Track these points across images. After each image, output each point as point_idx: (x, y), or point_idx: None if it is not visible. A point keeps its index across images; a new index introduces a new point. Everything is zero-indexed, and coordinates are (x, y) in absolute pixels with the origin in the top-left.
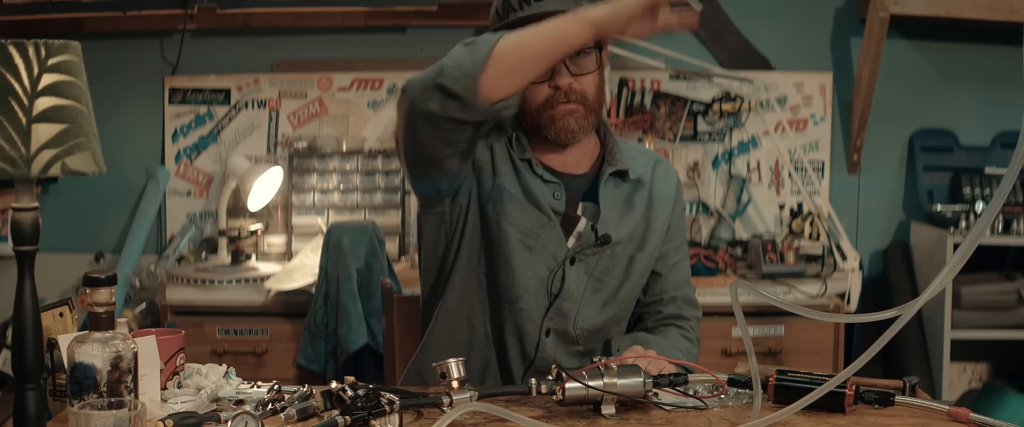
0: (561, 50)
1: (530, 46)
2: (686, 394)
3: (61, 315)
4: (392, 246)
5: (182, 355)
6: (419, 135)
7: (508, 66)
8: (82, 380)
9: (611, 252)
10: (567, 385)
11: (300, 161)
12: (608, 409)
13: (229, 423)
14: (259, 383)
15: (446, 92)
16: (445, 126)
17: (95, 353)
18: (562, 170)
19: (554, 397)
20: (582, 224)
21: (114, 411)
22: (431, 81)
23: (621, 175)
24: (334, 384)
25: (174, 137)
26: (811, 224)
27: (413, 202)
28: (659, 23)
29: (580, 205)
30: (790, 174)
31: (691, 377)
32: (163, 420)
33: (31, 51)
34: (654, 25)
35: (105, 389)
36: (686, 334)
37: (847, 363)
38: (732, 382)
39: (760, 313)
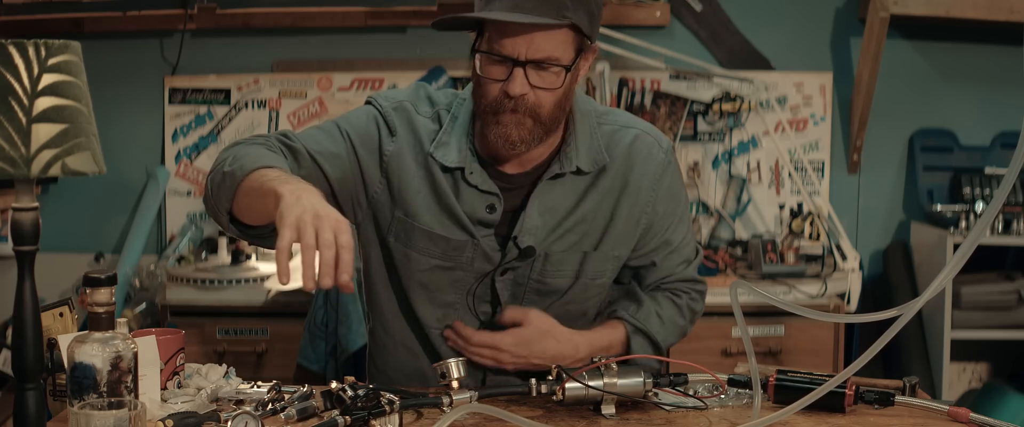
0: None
1: (252, 207)
2: (686, 394)
3: (61, 315)
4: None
5: (182, 355)
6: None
7: (245, 211)
8: (82, 380)
9: (547, 254)
10: (567, 385)
11: None
12: (608, 409)
13: (229, 423)
14: (259, 383)
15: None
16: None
17: (95, 353)
18: (514, 170)
19: (554, 397)
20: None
21: (114, 411)
22: (205, 199)
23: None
24: (334, 384)
25: (174, 137)
26: (811, 224)
27: None
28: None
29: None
30: (790, 174)
31: (691, 377)
32: (163, 420)
33: (31, 51)
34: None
35: (105, 389)
36: (676, 300)
37: (847, 363)
38: (732, 382)
39: (760, 313)
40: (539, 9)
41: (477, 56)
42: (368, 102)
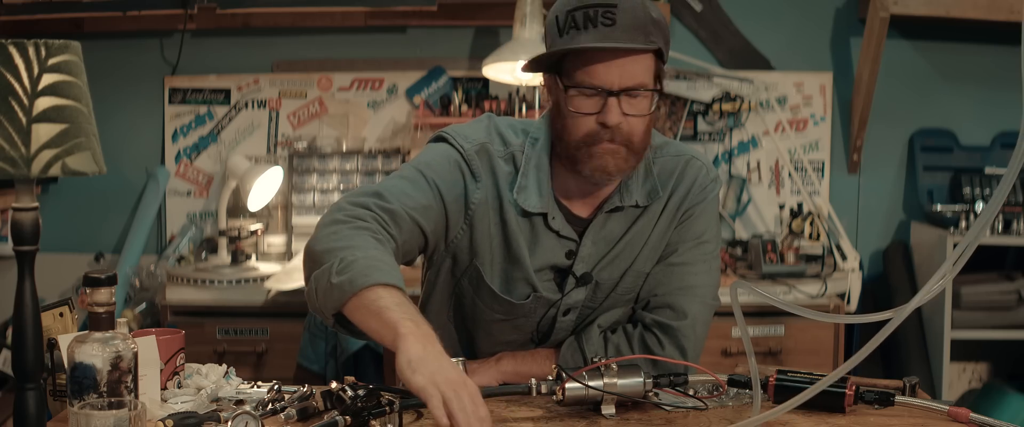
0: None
1: (364, 324)
2: (686, 394)
3: (61, 315)
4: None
5: (182, 355)
6: None
7: (353, 318)
8: (82, 380)
9: (598, 282)
10: (567, 385)
11: (300, 161)
12: (608, 409)
13: (229, 423)
14: (259, 383)
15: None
16: None
17: (95, 353)
18: (586, 212)
19: (554, 397)
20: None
21: (114, 411)
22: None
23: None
24: (334, 384)
25: (174, 137)
26: (811, 224)
27: None
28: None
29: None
30: (790, 174)
31: (691, 377)
32: (163, 420)
33: (31, 51)
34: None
35: (105, 389)
36: (627, 329)
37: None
38: (732, 382)
39: (760, 313)
40: (627, 36)
41: (568, 93)
42: (444, 139)
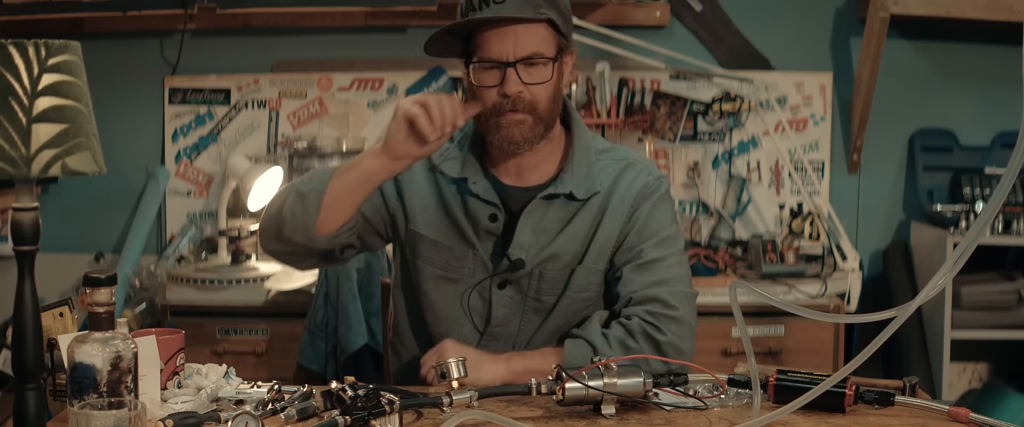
0: (372, 185)
1: (344, 190)
2: (686, 394)
3: (61, 315)
4: (391, 246)
5: (182, 355)
6: (283, 261)
7: (333, 208)
8: (82, 380)
9: (541, 272)
10: (567, 385)
11: (300, 161)
12: (608, 409)
13: (229, 423)
14: (259, 383)
15: (289, 240)
16: (299, 259)
17: (95, 353)
18: (515, 182)
19: (554, 397)
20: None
21: (114, 411)
22: (274, 231)
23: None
24: (334, 384)
25: (174, 137)
26: (811, 224)
27: None
28: (428, 133)
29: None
30: (790, 174)
31: (691, 377)
32: (163, 420)
33: (31, 51)
34: (423, 138)
35: (105, 389)
36: (626, 324)
37: (847, 363)
38: (732, 382)
39: (760, 313)
40: (516, 9)
41: (471, 70)
42: None
